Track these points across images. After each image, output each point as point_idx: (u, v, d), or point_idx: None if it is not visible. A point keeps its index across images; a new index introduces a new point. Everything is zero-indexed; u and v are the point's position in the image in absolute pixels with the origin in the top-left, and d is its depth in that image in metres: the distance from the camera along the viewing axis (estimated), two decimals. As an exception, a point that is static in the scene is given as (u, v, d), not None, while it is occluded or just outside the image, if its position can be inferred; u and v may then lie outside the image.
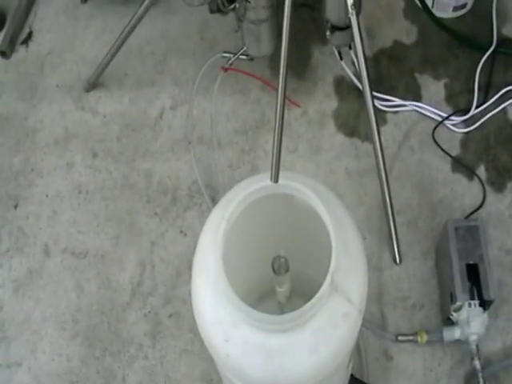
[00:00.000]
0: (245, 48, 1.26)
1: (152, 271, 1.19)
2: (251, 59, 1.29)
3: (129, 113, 1.40)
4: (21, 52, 1.52)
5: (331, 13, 1.14)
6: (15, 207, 1.30)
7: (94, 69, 1.40)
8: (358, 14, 1.08)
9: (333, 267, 0.65)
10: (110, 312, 1.16)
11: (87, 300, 1.18)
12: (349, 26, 1.10)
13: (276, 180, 0.71)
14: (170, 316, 1.14)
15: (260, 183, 0.71)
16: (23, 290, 1.20)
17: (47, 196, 1.31)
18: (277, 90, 0.77)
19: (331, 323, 0.66)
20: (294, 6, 1.43)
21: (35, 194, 1.31)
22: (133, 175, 1.32)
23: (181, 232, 1.23)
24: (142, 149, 1.35)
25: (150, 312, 1.15)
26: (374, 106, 1.12)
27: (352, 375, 1.00)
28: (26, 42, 1.54)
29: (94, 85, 1.44)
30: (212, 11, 1.51)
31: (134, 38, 1.34)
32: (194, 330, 1.11)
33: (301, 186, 0.70)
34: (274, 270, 0.72)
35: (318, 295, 0.65)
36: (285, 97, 0.78)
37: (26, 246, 1.25)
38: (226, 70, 1.30)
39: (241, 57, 1.29)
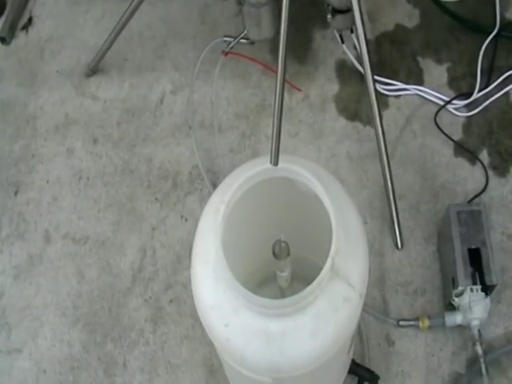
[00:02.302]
0: (245, 32, 1.25)
1: (153, 256, 1.19)
2: (252, 43, 1.27)
3: (129, 98, 1.39)
4: (21, 38, 1.51)
5: (332, -5, 1.13)
6: (15, 193, 1.30)
7: (94, 54, 1.40)
8: None
9: (333, 251, 0.65)
10: (110, 298, 1.16)
11: (88, 286, 1.18)
12: (350, 9, 1.09)
13: (276, 163, 0.71)
14: (171, 301, 1.14)
15: (260, 167, 0.71)
16: (24, 277, 1.20)
17: (48, 182, 1.31)
18: (276, 73, 0.77)
19: (332, 307, 0.66)
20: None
21: (36, 180, 1.31)
22: (133, 160, 1.31)
23: (181, 217, 1.23)
24: (143, 134, 1.34)
25: (150, 297, 1.15)
26: (375, 89, 1.11)
27: (353, 360, 1.00)
28: (26, 27, 1.53)
29: (94, 70, 1.43)
30: (214, -6, 1.51)
31: (134, 23, 1.33)
32: (195, 316, 1.09)
33: (301, 169, 0.70)
34: (275, 255, 0.72)
35: (318, 279, 0.64)
36: (284, 80, 0.78)
37: (26, 233, 1.25)
38: (226, 54, 1.29)
39: (241, 41, 1.27)
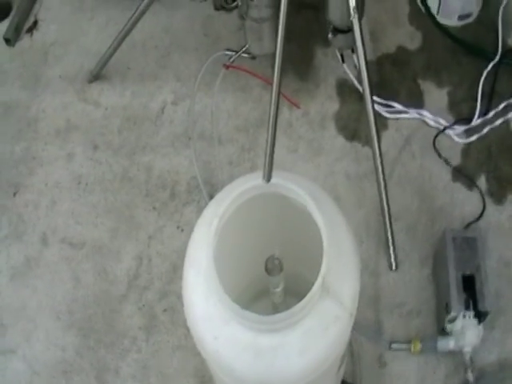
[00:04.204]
0: (247, 46, 1.27)
1: (148, 265, 1.20)
2: (253, 58, 1.29)
3: (131, 106, 1.41)
4: (25, 41, 1.52)
5: (333, 15, 1.13)
6: (14, 195, 1.31)
7: (97, 61, 1.41)
8: (360, 18, 1.07)
9: (324, 269, 0.65)
10: (105, 304, 1.17)
11: (83, 291, 1.19)
12: (351, 29, 1.09)
13: (268, 179, 0.71)
14: (165, 311, 1.15)
15: (253, 182, 0.71)
16: (20, 278, 1.21)
17: (47, 185, 1.32)
18: (271, 87, 0.78)
19: (321, 325, 0.66)
20: (298, 6, 1.45)
21: (35, 182, 1.32)
22: (133, 168, 1.32)
23: (178, 227, 1.24)
24: (143, 142, 1.35)
25: (144, 306, 1.16)
26: (373, 109, 1.11)
27: (344, 381, 1.00)
28: (30, 30, 1.54)
29: (96, 77, 1.44)
30: (216, 8, 1.52)
31: (137, 33, 1.35)
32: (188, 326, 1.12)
33: (293, 186, 0.70)
34: (268, 271, 0.72)
35: (308, 296, 0.64)
36: (279, 95, 0.79)
37: (24, 235, 1.26)
38: (227, 67, 1.30)
39: (243, 55, 1.29)
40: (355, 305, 0.70)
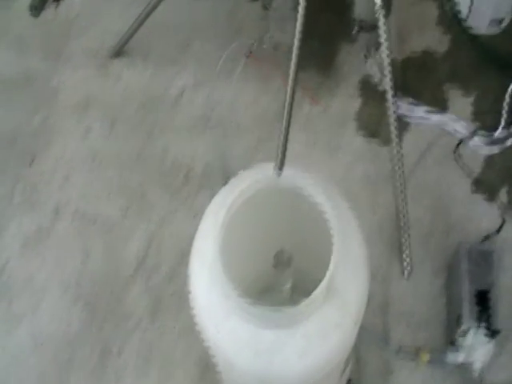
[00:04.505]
0: (269, 36, 1.27)
1: (158, 248, 1.21)
2: (275, 49, 1.29)
3: (150, 86, 1.41)
4: (50, 12, 1.52)
5: (359, 11, 1.13)
6: (31, 164, 1.31)
7: (119, 38, 1.41)
8: (386, 16, 1.05)
9: (331, 271, 0.64)
10: (113, 282, 1.18)
11: (92, 267, 1.20)
12: (376, 27, 1.07)
13: (279, 173, 0.71)
14: (172, 294, 1.16)
15: (264, 174, 0.71)
16: (31, 247, 1.22)
17: (62, 158, 1.33)
18: (287, 80, 0.78)
19: (323, 331, 0.66)
20: (323, 2, 1.44)
21: (51, 154, 1.33)
22: (148, 149, 1.33)
23: (190, 213, 1.24)
24: (160, 124, 1.36)
25: (152, 288, 1.17)
26: (395, 111, 1.10)
27: (350, 380, 1.00)
28: (56, 1, 1.53)
29: (118, 53, 1.44)
30: (242, -4, 1.51)
31: (161, 15, 1.34)
32: (194, 312, 1.13)
33: (305, 181, 0.69)
34: (276, 265, 0.72)
35: (311, 298, 0.64)
36: (295, 88, 0.78)
37: (37, 204, 1.27)
38: (248, 56, 1.30)
39: (265, 45, 1.29)
40: (361, 312, 0.69)
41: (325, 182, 0.73)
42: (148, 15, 1.34)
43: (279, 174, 0.70)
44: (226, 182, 1.24)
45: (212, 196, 1.24)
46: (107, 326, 1.14)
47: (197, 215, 1.21)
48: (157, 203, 1.26)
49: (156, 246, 1.21)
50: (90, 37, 1.48)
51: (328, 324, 0.66)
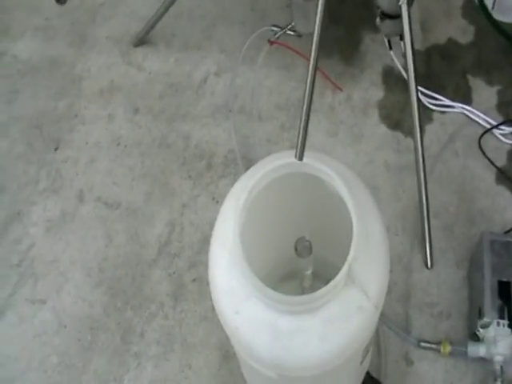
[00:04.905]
0: (293, 24, 1.26)
1: (180, 233, 1.22)
2: (299, 36, 1.28)
3: (173, 73, 1.42)
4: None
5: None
6: (55, 150, 1.33)
7: (144, 24, 1.42)
8: (409, 4, 1.04)
9: (351, 256, 0.64)
10: (135, 266, 1.19)
11: (115, 251, 1.21)
12: (400, 15, 1.06)
13: (301, 158, 0.70)
14: (194, 280, 1.17)
15: (285, 159, 0.70)
16: (55, 231, 1.24)
17: (87, 143, 1.34)
18: (308, 66, 0.77)
19: (344, 314, 0.65)
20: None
21: (75, 139, 1.34)
22: (171, 135, 1.34)
23: (213, 199, 1.25)
24: (183, 110, 1.36)
25: (174, 273, 1.18)
26: (418, 97, 1.09)
27: (368, 373, 0.98)
28: (82, -11, 1.55)
29: (142, 40, 1.45)
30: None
31: (185, 1, 1.35)
32: (215, 298, 1.14)
33: (326, 168, 0.68)
34: (297, 252, 0.71)
35: (332, 283, 0.63)
36: (315, 72, 0.77)
37: (61, 189, 1.29)
38: (272, 43, 1.30)
39: (289, 32, 1.29)
40: (382, 297, 0.69)
41: (345, 167, 0.73)
42: (172, 2, 1.34)
43: (300, 159, 0.70)
44: (247, 169, 1.26)
45: (234, 182, 1.26)
46: (129, 309, 1.15)
47: (219, 201, 1.25)
48: (179, 189, 1.27)
49: (178, 231, 1.22)
50: (114, 24, 1.50)
51: (349, 307, 0.65)
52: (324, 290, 0.63)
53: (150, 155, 1.32)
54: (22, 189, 1.29)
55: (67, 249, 1.22)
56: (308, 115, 0.75)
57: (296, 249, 0.71)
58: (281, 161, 0.70)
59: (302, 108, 0.75)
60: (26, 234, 1.24)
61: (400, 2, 1.04)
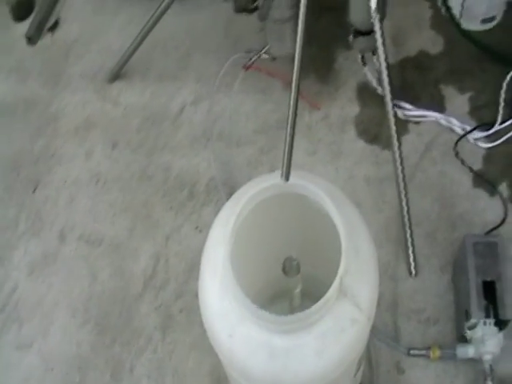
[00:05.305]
0: (267, 47, 1.27)
1: (165, 265, 1.20)
2: (274, 59, 1.29)
3: (150, 105, 1.41)
4: (47, 39, 1.54)
5: (355, 17, 1.13)
6: (34, 191, 1.32)
7: (118, 60, 1.42)
8: (381, 19, 1.06)
9: (342, 270, 0.64)
10: (121, 302, 1.17)
11: (99, 288, 1.19)
12: (372, 31, 1.08)
13: (287, 178, 0.71)
14: (181, 311, 1.15)
15: (270, 181, 0.71)
16: (37, 274, 1.22)
17: (65, 182, 1.33)
18: (290, 86, 0.78)
19: (338, 328, 0.66)
20: (319, 9, 1.45)
21: (54, 179, 1.33)
22: (151, 168, 1.33)
23: (196, 228, 1.24)
24: (161, 142, 1.36)
25: (161, 305, 1.16)
26: (394, 113, 1.10)
27: None
28: (52, 29, 1.56)
29: (116, 76, 1.45)
30: (237, 10, 1.52)
31: (158, 32, 1.35)
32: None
33: (312, 186, 0.69)
34: (285, 272, 0.71)
35: (324, 298, 0.64)
36: (298, 93, 0.78)
37: (42, 231, 1.27)
38: (247, 68, 1.30)
39: (263, 56, 1.29)
40: (373, 309, 0.70)
41: (328, 183, 0.74)
42: (146, 36, 1.35)
43: (287, 179, 0.71)
44: (229, 196, 1.25)
45: (217, 209, 1.23)
46: (118, 345, 1.12)
47: (202, 230, 1.24)
48: (162, 220, 1.26)
49: (163, 263, 1.20)
50: (88, 60, 1.50)
51: (342, 321, 0.66)
52: (317, 305, 0.63)
53: (130, 189, 1.30)
54: (2, 233, 1.27)
55: (51, 290, 1.20)
56: (292, 136, 0.75)
57: (284, 268, 0.71)
58: (266, 183, 0.70)
59: (286, 129, 0.75)
60: (8, 278, 1.22)
61: (373, 19, 1.06)
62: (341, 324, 0.66)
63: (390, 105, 1.10)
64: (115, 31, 1.53)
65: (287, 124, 0.75)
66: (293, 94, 0.77)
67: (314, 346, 0.65)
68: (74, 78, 1.47)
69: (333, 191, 0.71)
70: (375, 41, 1.08)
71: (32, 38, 1.52)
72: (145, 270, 1.20)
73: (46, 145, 1.38)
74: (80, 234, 1.26)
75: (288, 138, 0.74)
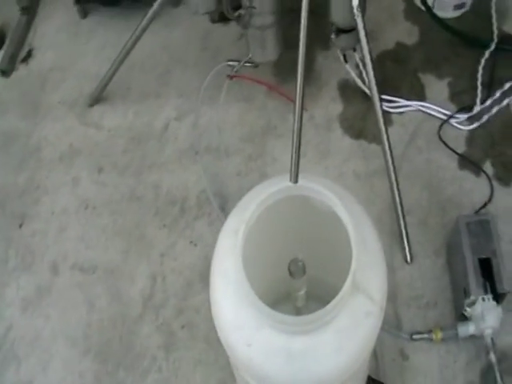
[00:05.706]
0: (250, 55, 1.26)
1: (163, 283, 1.17)
2: (256, 66, 1.28)
3: (134, 126, 1.40)
4: (21, 70, 1.52)
5: (336, 15, 1.14)
6: (20, 226, 1.28)
7: (96, 84, 1.40)
8: (363, 16, 1.07)
9: (354, 266, 0.65)
10: (121, 326, 1.14)
11: (98, 315, 1.16)
12: (354, 29, 1.10)
13: (296, 180, 0.72)
14: (183, 327, 1.12)
15: (279, 184, 0.72)
16: (32, 309, 1.19)
17: (53, 213, 1.30)
18: (295, 91, 0.78)
19: (354, 322, 0.66)
20: (295, 11, 1.44)
21: (41, 211, 1.30)
22: (140, 188, 1.30)
23: (190, 242, 1.22)
24: (149, 161, 1.34)
25: (162, 324, 1.13)
26: (381, 107, 1.11)
27: (369, 376, 0.98)
28: (26, 59, 1.54)
29: (97, 100, 1.43)
30: (214, 21, 1.52)
31: (136, 52, 1.33)
32: (208, 340, 1.09)
33: (319, 187, 0.71)
34: (291, 273, 0.71)
35: (340, 294, 0.64)
36: (303, 97, 0.79)
37: (33, 265, 1.23)
38: (231, 77, 1.29)
39: (245, 64, 1.28)
40: (385, 298, 0.70)
41: (333, 183, 0.76)
42: (125, 58, 1.33)
43: (296, 181, 0.72)
44: (222, 207, 1.23)
45: (210, 222, 1.23)
46: (122, 370, 1.09)
47: (197, 243, 1.21)
48: (155, 239, 1.23)
49: (160, 282, 1.18)
50: (66, 87, 1.48)
51: (358, 314, 0.67)
52: (333, 302, 0.64)
53: (120, 212, 1.28)
54: (-8, 271, 1.24)
55: (47, 323, 1.16)
56: (299, 139, 0.76)
57: (290, 270, 0.71)
58: (276, 186, 0.72)
59: (293, 132, 0.76)
60: (2, 317, 1.18)
61: (356, 16, 1.07)
62: (356, 318, 0.67)
63: (377, 100, 1.10)
64: (91, 56, 1.51)
65: (293, 128, 0.77)
66: (297, 98, 0.78)
67: (332, 343, 0.65)
68: (54, 106, 1.45)
69: (338, 190, 0.73)
70: (357, 37, 1.10)
71: (5, 71, 1.50)
72: (142, 290, 1.17)
73: (30, 177, 1.35)
74: (73, 262, 1.23)
75: (295, 141, 0.76)
